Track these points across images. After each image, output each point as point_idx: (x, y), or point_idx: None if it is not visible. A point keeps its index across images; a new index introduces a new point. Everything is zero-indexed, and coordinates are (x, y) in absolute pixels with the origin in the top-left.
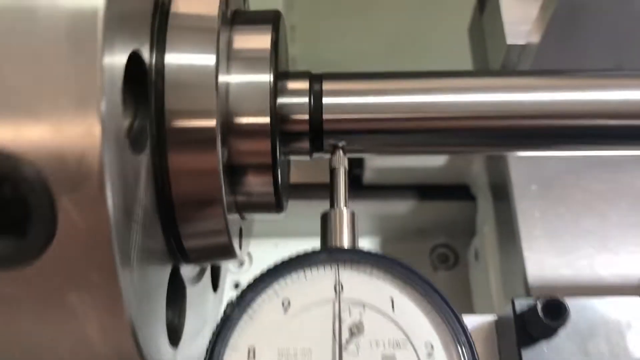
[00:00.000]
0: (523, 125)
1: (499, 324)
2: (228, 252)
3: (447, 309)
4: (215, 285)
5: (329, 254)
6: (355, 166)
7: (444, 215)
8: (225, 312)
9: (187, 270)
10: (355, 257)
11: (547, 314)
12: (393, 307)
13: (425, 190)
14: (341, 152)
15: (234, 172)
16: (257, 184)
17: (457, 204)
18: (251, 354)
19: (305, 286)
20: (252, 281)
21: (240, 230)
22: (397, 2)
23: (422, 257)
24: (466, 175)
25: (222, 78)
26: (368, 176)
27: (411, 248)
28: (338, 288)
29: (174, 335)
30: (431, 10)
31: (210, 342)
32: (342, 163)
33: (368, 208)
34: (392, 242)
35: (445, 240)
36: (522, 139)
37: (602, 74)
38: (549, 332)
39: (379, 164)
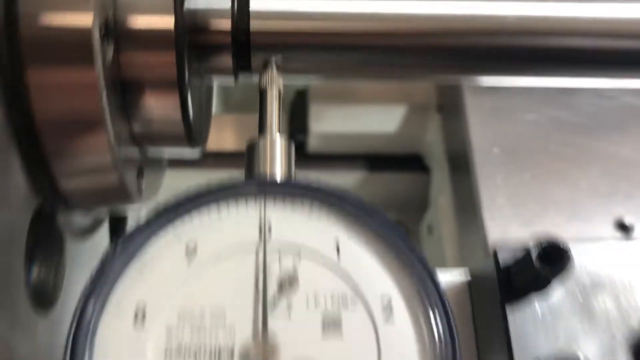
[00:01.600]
0: (484, 44)
1: (473, 282)
2: (120, 195)
3: (409, 254)
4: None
5: (253, 184)
6: (299, 132)
7: (395, 188)
8: (104, 259)
9: (71, 219)
10: (287, 188)
11: (543, 260)
12: (338, 253)
13: (374, 160)
14: (274, 68)
15: (128, 90)
16: (159, 107)
17: (409, 176)
18: (139, 316)
19: (218, 227)
20: (144, 219)
21: (140, 168)
22: None
23: None
24: (420, 144)
25: None
26: (313, 143)
27: None
28: (264, 229)
29: (43, 298)
30: None
31: (81, 297)
32: (274, 82)
33: (312, 179)
34: None
35: (396, 215)
36: (483, 60)
37: None
38: (541, 286)
39: (325, 129)
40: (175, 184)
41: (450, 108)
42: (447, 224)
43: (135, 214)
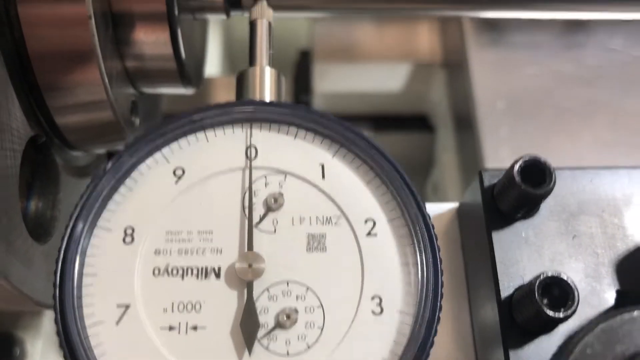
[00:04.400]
0: None
1: (461, 210)
2: (114, 131)
3: (396, 176)
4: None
5: (238, 107)
6: (303, 92)
7: (401, 148)
8: (94, 179)
9: (69, 156)
10: (272, 112)
11: (526, 179)
12: (323, 174)
13: (380, 120)
14: (264, 3)
15: (120, 25)
16: (149, 42)
17: (415, 136)
18: (128, 236)
19: (205, 150)
20: (132, 141)
21: (134, 104)
22: None
23: None
24: (425, 102)
25: None
26: (317, 104)
27: None
28: (250, 152)
29: (40, 228)
30: None
31: (71, 216)
32: (264, 14)
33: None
34: None
35: None
36: None
37: None
38: (527, 206)
39: (330, 89)
40: None
41: (454, 64)
42: (452, 182)
43: None
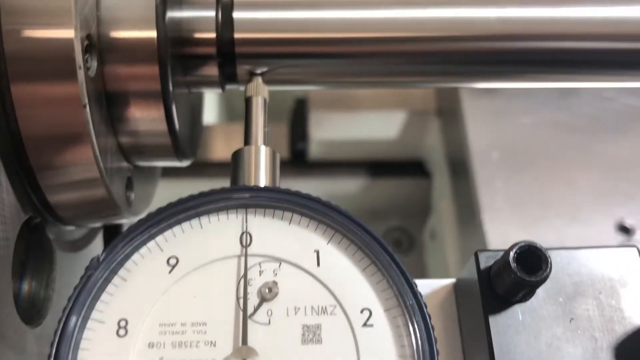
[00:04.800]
0: (480, 49)
1: (458, 288)
2: (109, 208)
3: (390, 264)
4: None
5: (233, 194)
6: (299, 140)
7: (398, 193)
8: (87, 271)
9: (63, 232)
10: (267, 197)
11: (522, 267)
12: (318, 262)
13: (376, 166)
14: (259, 77)
15: (114, 103)
16: (144, 119)
17: (411, 182)
18: (121, 329)
19: (200, 238)
20: (125, 231)
21: (130, 180)
22: None
23: None
24: (420, 149)
25: None
26: (314, 151)
27: None
28: (245, 240)
29: (32, 311)
30: None
31: (65, 310)
32: (260, 92)
33: (314, 187)
34: None
35: (399, 222)
36: (478, 66)
37: None
38: (523, 291)
39: (326, 137)
40: (177, 194)
41: (449, 112)
42: (449, 229)
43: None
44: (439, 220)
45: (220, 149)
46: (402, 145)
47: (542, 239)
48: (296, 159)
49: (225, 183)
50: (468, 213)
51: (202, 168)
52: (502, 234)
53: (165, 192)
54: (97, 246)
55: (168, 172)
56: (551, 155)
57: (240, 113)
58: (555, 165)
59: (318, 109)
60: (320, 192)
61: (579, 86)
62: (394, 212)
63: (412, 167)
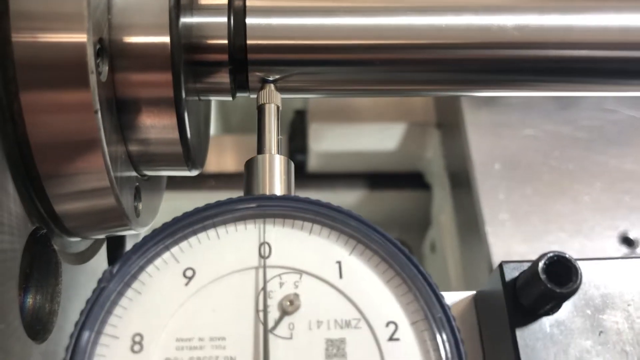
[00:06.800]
0: (484, 57)
1: (479, 300)
2: (116, 218)
3: (417, 275)
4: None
5: (252, 203)
6: (298, 152)
7: (397, 205)
8: (100, 284)
9: (68, 244)
10: (287, 207)
11: (550, 279)
12: (341, 274)
13: (375, 178)
14: (272, 85)
15: (124, 110)
16: (156, 127)
17: (410, 194)
18: (136, 344)
19: (217, 249)
20: (140, 242)
21: (137, 189)
22: None
23: None
24: (420, 161)
25: None
26: (313, 163)
27: None
28: (264, 251)
29: (38, 325)
30: None
31: (77, 325)
32: (273, 99)
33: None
34: None
35: (398, 234)
36: (482, 74)
37: None
38: (552, 303)
39: (325, 148)
40: (174, 206)
41: (449, 124)
42: (450, 242)
43: (134, 236)
44: (439, 232)
45: (214, 162)
46: (401, 157)
47: (545, 251)
48: (295, 171)
49: (221, 196)
50: (470, 225)
51: (198, 180)
52: (505, 246)
53: (164, 204)
54: (101, 256)
55: (171, 184)
56: (553, 167)
57: (235, 126)
58: (557, 177)
59: (317, 121)
60: None
61: (594, 95)
62: (393, 225)
63: (412, 179)
